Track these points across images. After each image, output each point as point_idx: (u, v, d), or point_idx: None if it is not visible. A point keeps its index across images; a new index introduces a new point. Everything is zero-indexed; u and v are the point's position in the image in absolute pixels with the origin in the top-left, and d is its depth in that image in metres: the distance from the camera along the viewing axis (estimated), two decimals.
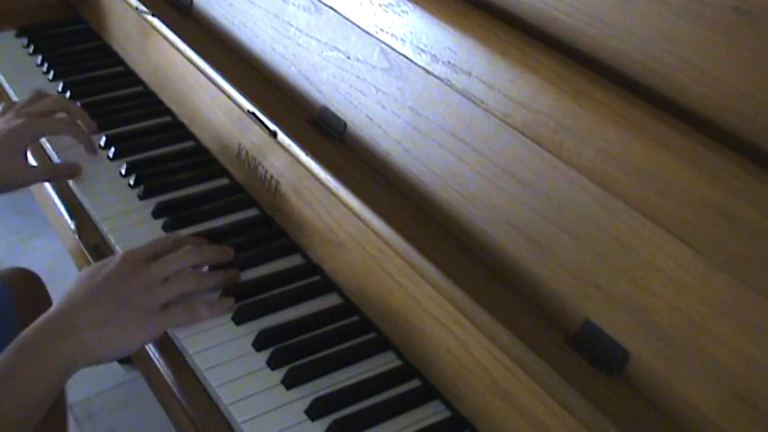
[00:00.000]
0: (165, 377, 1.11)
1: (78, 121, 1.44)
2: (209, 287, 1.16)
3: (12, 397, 1.00)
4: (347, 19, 1.20)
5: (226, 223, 1.31)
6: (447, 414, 1.04)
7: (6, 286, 1.45)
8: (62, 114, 1.43)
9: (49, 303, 1.59)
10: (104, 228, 1.30)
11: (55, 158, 1.45)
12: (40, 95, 1.44)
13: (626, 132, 0.86)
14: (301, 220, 1.22)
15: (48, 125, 1.40)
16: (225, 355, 1.08)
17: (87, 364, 1.05)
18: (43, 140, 1.48)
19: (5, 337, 1.41)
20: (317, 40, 1.26)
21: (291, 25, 1.32)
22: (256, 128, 1.29)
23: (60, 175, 1.41)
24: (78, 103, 1.50)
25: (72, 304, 1.07)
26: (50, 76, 1.68)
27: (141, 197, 1.35)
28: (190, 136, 1.48)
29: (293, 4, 1.31)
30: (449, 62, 1.04)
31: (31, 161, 1.47)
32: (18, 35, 1.82)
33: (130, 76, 1.67)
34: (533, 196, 0.97)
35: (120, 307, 1.06)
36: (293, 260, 1.24)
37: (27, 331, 1.05)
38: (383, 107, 1.15)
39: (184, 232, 1.27)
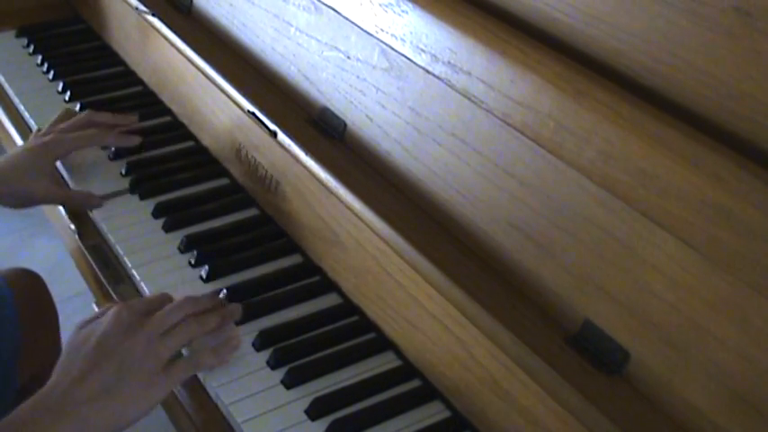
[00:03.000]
0: None
1: (115, 125, 1.43)
2: (212, 329, 1.07)
3: None
4: (347, 19, 1.20)
5: (226, 223, 1.31)
6: (447, 414, 1.04)
7: (8, 287, 1.45)
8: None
9: (51, 304, 1.59)
10: (104, 228, 1.30)
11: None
12: (68, 113, 1.45)
13: (626, 132, 0.86)
14: (301, 220, 1.22)
15: (75, 139, 1.38)
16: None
17: None
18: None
19: (9, 337, 1.41)
20: (317, 40, 1.26)
21: (291, 25, 1.32)
22: (256, 128, 1.29)
23: (77, 204, 1.37)
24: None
25: (68, 378, 0.97)
26: (50, 76, 1.68)
27: (141, 197, 1.35)
28: (190, 136, 1.48)
29: (293, 4, 1.31)
30: (449, 62, 1.04)
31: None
32: (18, 35, 1.82)
33: (130, 76, 1.67)
34: (533, 196, 0.97)
35: (121, 373, 0.97)
36: (293, 260, 1.24)
37: (20, 409, 0.95)
38: (383, 107, 1.15)
39: (185, 232, 1.27)
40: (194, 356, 1.05)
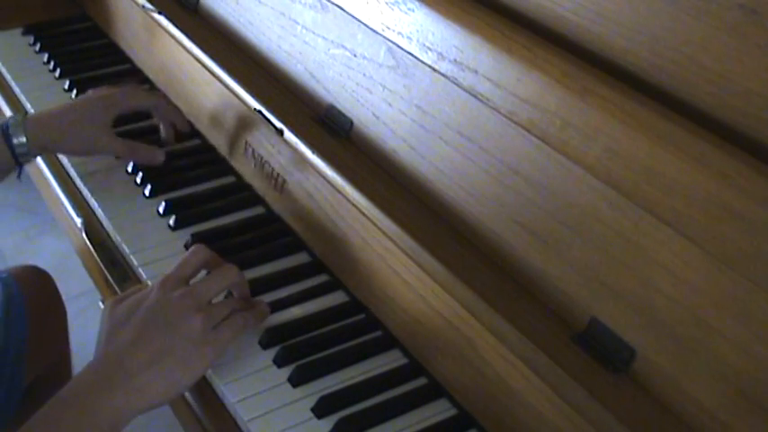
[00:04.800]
0: None
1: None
2: (250, 306, 1.10)
3: None
4: (354, 17, 1.20)
5: (232, 221, 1.31)
6: (453, 412, 1.04)
7: (17, 284, 1.46)
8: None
9: (60, 302, 1.60)
10: (111, 226, 1.30)
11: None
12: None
13: (632, 130, 0.86)
14: (308, 218, 1.22)
15: (142, 96, 1.41)
16: (231, 353, 1.08)
17: (147, 409, 0.96)
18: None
19: (17, 334, 1.42)
20: (324, 38, 1.26)
21: (298, 23, 1.32)
22: (263, 126, 1.29)
23: (140, 156, 1.38)
24: None
25: (119, 348, 0.97)
26: (57, 74, 1.68)
27: (148, 196, 1.35)
28: (196, 134, 1.49)
29: (300, 3, 1.31)
30: (455, 60, 1.04)
31: (42, 166, 1.47)
32: (24, 33, 1.82)
33: (137, 75, 1.67)
34: (540, 194, 0.97)
35: (172, 338, 0.97)
36: (300, 258, 1.24)
37: (71, 384, 0.95)
38: (390, 105, 1.15)
39: (191, 230, 1.27)
40: (239, 318, 1.05)
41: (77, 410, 0.93)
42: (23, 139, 1.30)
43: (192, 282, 1.06)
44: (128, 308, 1.02)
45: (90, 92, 1.41)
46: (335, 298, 1.18)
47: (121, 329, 0.99)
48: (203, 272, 1.10)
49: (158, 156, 1.37)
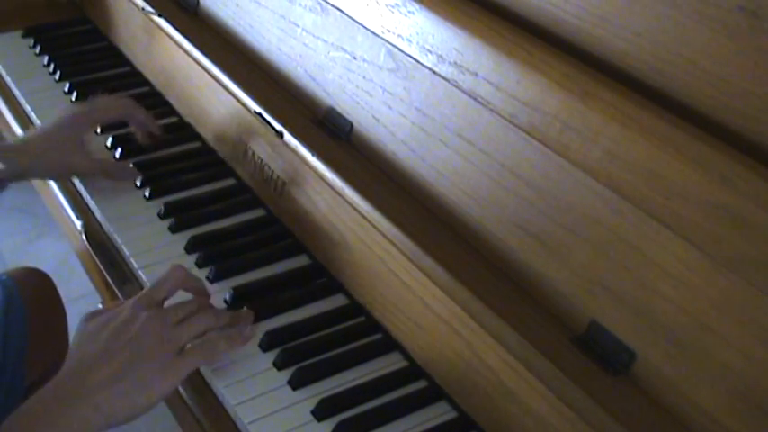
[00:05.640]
0: None
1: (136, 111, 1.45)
2: (225, 323, 1.08)
3: None
4: (354, 20, 1.20)
5: (232, 224, 1.31)
6: (453, 414, 1.04)
7: (17, 286, 1.45)
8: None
9: (60, 303, 1.59)
10: (110, 228, 1.30)
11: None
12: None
13: (633, 133, 0.87)
14: (307, 221, 1.22)
15: (112, 108, 1.41)
16: (231, 355, 1.08)
17: (107, 427, 0.94)
18: None
19: (17, 337, 1.42)
20: (324, 40, 1.26)
21: (298, 26, 1.32)
22: (263, 128, 1.29)
23: (113, 175, 1.38)
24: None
25: (82, 364, 0.97)
26: (57, 76, 1.68)
27: (148, 198, 1.35)
28: (196, 137, 1.49)
29: (300, 5, 1.31)
30: (455, 63, 1.04)
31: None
32: (24, 35, 1.82)
33: (137, 77, 1.67)
34: (540, 197, 0.97)
35: (135, 358, 0.97)
36: (299, 261, 1.24)
37: (34, 397, 0.95)
38: (389, 108, 1.15)
39: (191, 233, 1.27)
40: (208, 343, 1.04)
41: (40, 422, 0.92)
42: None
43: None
44: (100, 323, 1.02)
45: (61, 113, 1.40)
46: (335, 301, 1.18)
47: (88, 345, 0.99)
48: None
49: (131, 173, 1.37)
